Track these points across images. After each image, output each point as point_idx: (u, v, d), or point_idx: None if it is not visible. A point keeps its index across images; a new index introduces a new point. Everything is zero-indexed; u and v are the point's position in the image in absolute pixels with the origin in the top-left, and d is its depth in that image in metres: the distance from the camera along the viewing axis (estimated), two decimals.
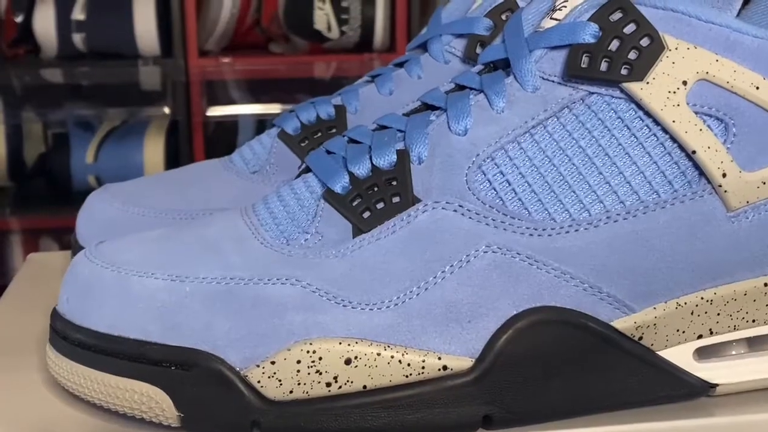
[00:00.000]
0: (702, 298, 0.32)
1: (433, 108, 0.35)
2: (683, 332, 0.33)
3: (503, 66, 0.35)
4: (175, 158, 1.36)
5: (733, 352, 0.34)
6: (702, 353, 0.34)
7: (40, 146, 1.46)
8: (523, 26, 0.35)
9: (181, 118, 1.39)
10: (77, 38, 1.36)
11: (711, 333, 0.33)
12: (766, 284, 0.33)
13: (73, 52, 1.36)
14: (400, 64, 0.47)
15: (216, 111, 1.40)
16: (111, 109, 1.41)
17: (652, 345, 0.32)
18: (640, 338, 0.32)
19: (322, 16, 1.40)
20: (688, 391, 0.33)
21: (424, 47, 0.46)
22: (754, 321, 0.33)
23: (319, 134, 0.44)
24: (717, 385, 0.33)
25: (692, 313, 0.32)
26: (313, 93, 0.48)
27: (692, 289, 0.32)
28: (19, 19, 1.35)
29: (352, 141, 0.36)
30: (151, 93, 1.40)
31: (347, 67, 1.40)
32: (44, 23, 1.36)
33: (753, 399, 0.33)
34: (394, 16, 1.40)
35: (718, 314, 0.33)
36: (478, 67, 0.36)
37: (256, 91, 1.48)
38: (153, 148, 1.37)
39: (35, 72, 1.38)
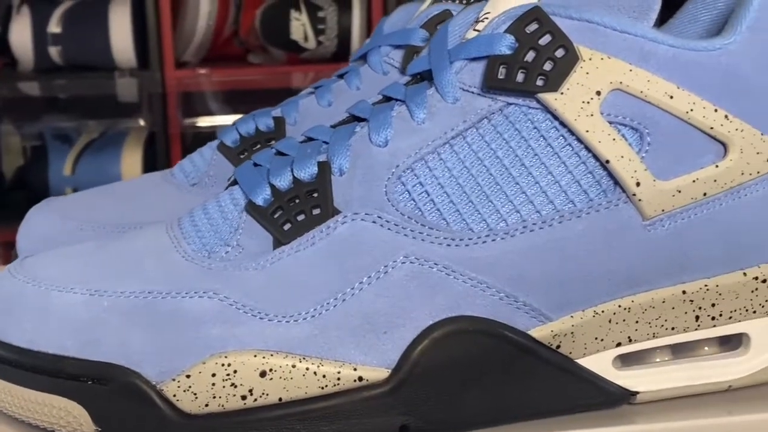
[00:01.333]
0: (619, 306, 0.33)
1: (359, 120, 0.35)
2: (601, 340, 0.33)
3: (428, 78, 0.35)
4: (152, 170, 1.35)
5: (658, 359, 0.34)
6: (626, 360, 0.34)
7: (18, 159, 1.47)
8: (448, 38, 0.36)
9: (159, 129, 1.40)
10: (53, 51, 1.36)
11: (630, 341, 0.33)
12: (684, 291, 0.33)
13: (49, 65, 1.37)
14: (343, 75, 0.47)
15: (193, 122, 1.41)
16: (88, 121, 1.41)
17: (570, 353, 0.33)
18: (558, 347, 0.32)
19: (299, 27, 1.41)
20: (607, 399, 0.33)
21: (365, 58, 0.46)
22: (673, 328, 0.33)
23: (258, 146, 0.44)
24: (637, 392, 0.33)
25: (610, 321, 0.33)
26: None
27: (609, 297, 0.32)
28: None
29: (278, 153, 0.36)
30: (128, 105, 1.41)
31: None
32: (20, 36, 1.36)
33: (674, 406, 0.34)
34: (371, 26, 1.40)
35: (637, 322, 0.33)
36: (406, 79, 0.37)
37: (234, 102, 1.48)
38: (130, 160, 1.37)
39: (12, 85, 1.38)
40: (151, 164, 1.36)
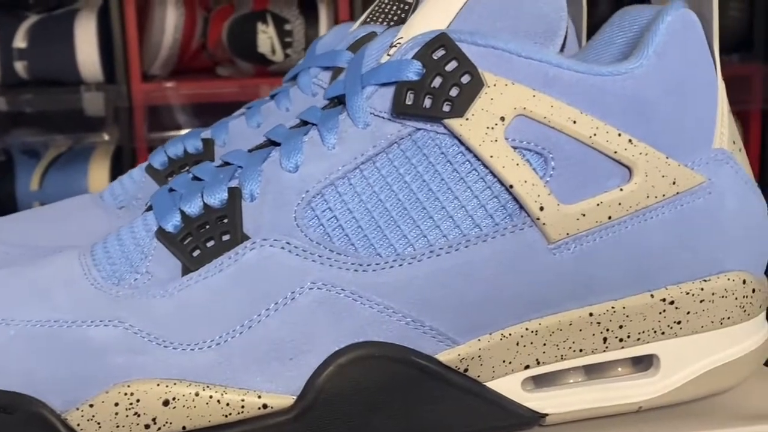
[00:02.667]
0: (527, 329, 0.33)
1: (276, 144, 0.36)
2: (509, 363, 0.33)
3: (344, 101, 0.35)
4: None
5: (571, 380, 0.35)
6: (539, 382, 0.34)
7: None
8: (363, 62, 0.36)
9: (126, 143, 1.39)
10: (19, 66, 1.36)
11: (538, 363, 0.33)
12: (591, 314, 0.33)
13: (15, 80, 1.36)
14: (275, 96, 0.47)
15: (161, 135, 1.40)
16: (55, 135, 1.41)
17: (478, 376, 0.33)
18: (466, 370, 0.33)
19: (266, 40, 1.41)
20: (516, 421, 0.33)
21: (296, 79, 0.47)
22: (581, 350, 0.33)
23: (187, 168, 0.44)
24: (546, 414, 0.33)
25: (518, 344, 0.33)
26: None
27: (516, 321, 0.33)
28: None
29: (195, 178, 0.36)
30: (95, 119, 1.40)
31: None
32: None
33: (585, 427, 0.34)
34: None
35: (545, 344, 0.33)
36: (324, 103, 0.37)
37: (202, 115, 1.48)
38: (98, 174, 1.37)
39: None
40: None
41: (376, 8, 0.46)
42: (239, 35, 1.42)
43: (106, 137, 1.39)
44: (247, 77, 1.46)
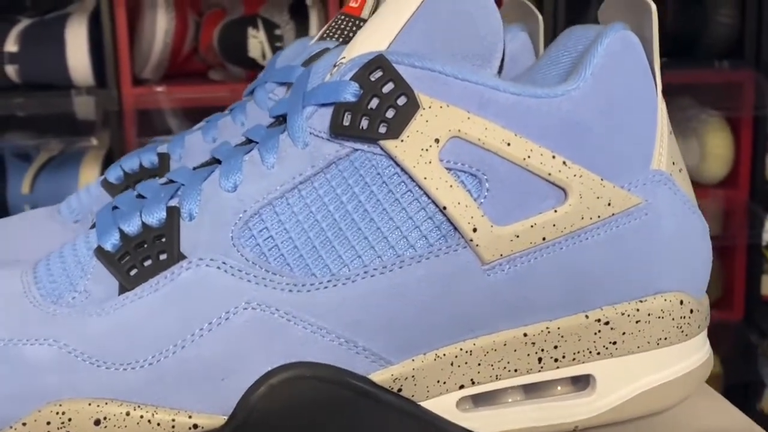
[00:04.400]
0: (461, 349, 0.33)
1: (220, 162, 0.36)
2: (444, 383, 0.33)
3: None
4: None
5: (510, 399, 0.35)
6: (477, 401, 0.34)
7: None
8: (308, 81, 0.36)
9: (116, 147, 1.40)
10: (10, 70, 1.36)
11: (473, 383, 0.33)
12: (525, 334, 0.33)
13: (6, 84, 1.37)
14: (232, 110, 0.47)
15: (151, 140, 1.40)
16: (46, 139, 1.41)
17: (413, 396, 0.33)
18: (400, 390, 0.33)
19: (256, 45, 1.41)
20: None
21: (253, 93, 0.47)
22: (516, 370, 0.34)
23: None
24: None
25: (452, 364, 0.33)
26: None
27: (450, 341, 0.33)
28: None
29: (139, 196, 0.36)
30: (86, 123, 1.41)
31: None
32: None
33: None
34: None
35: (479, 364, 0.33)
36: (269, 121, 0.37)
37: (193, 119, 1.48)
38: (89, 178, 1.37)
39: None
40: None
41: (333, 24, 0.47)
42: (230, 40, 1.42)
43: (97, 141, 1.40)
44: (239, 81, 1.46)
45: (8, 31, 1.36)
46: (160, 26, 1.40)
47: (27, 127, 1.44)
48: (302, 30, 1.41)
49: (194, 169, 0.36)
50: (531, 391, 0.35)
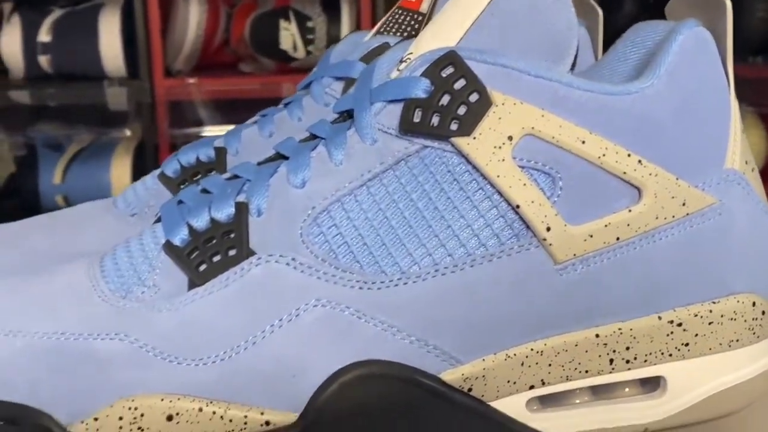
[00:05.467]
0: (532, 350, 0.33)
1: (285, 158, 0.36)
2: (514, 383, 0.33)
3: (353, 116, 0.35)
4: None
5: (578, 401, 0.34)
6: (545, 402, 0.34)
7: (10, 167, 1.47)
8: (373, 77, 0.36)
9: (148, 138, 1.40)
10: (43, 60, 1.37)
11: (543, 383, 0.33)
12: (597, 335, 0.33)
13: (39, 74, 1.38)
14: (288, 104, 0.47)
15: (183, 131, 1.41)
16: (78, 129, 1.42)
17: (482, 396, 0.33)
18: (470, 390, 0.32)
19: (288, 37, 1.41)
20: None
21: (309, 88, 0.47)
22: (587, 371, 0.33)
23: (199, 176, 0.44)
24: None
25: (522, 365, 0.33)
26: None
27: (521, 341, 0.33)
28: None
29: (204, 191, 0.36)
30: (118, 114, 1.41)
31: None
32: (11, 45, 1.37)
33: None
34: None
35: (550, 365, 0.33)
36: (333, 116, 0.37)
37: (224, 111, 1.49)
38: (120, 169, 1.38)
39: (3, 93, 1.39)
40: (140, 173, 1.36)
41: (390, 18, 0.46)
42: (261, 32, 1.42)
43: (129, 132, 1.40)
44: (269, 74, 1.47)
45: (41, 22, 1.37)
46: (193, 17, 1.41)
47: (59, 117, 1.45)
48: (334, 22, 1.41)
49: (258, 164, 0.36)
50: (599, 392, 0.34)
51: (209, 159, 0.45)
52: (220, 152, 0.45)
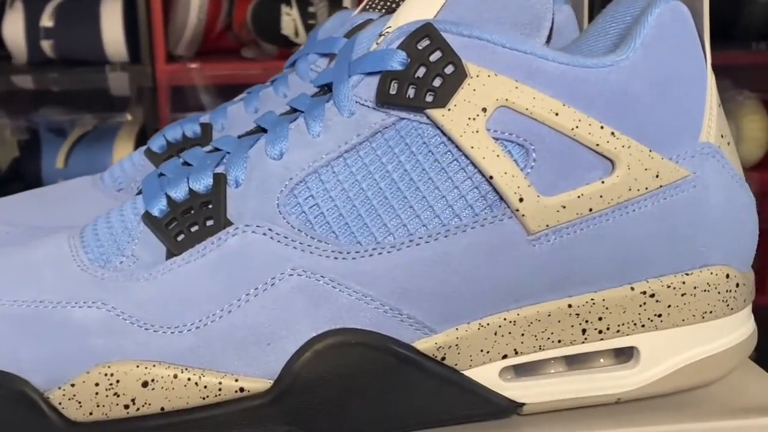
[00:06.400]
0: (505, 319, 0.33)
1: (265, 130, 0.36)
2: (487, 352, 0.33)
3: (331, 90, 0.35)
4: None
5: (552, 370, 0.35)
6: (519, 371, 0.34)
7: (13, 151, 1.48)
8: (353, 50, 0.36)
9: (150, 123, 1.40)
10: (46, 45, 1.37)
11: (516, 353, 0.33)
12: (569, 305, 0.33)
13: (42, 59, 1.38)
14: (274, 81, 0.47)
15: (184, 116, 1.41)
16: (81, 114, 1.42)
17: (456, 365, 0.33)
18: (443, 358, 0.33)
19: (289, 22, 1.41)
20: (493, 410, 0.33)
21: (294, 65, 0.47)
22: (559, 341, 0.34)
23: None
24: (524, 404, 0.34)
25: (495, 334, 0.33)
26: None
27: (495, 310, 0.33)
28: None
29: (184, 163, 0.36)
30: (120, 99, 1.42)
31: None
32: (13, 30, 1.37)
33: (564, 417, 0.34)
34: None
35: (522, 335, 0.33)
36: (313, 90, 0.37)
37: (226, 96, 1.49)
38: (122, 153, 1.38)
39: (5, 78, 1.39)
40: None
41: None
42: (263, 17, 1.42)
43: (131, 117, 1.40)
44: (271, 59, 1.46)
45: (44, 7, 1.37)
46: (195, 2, 1.41)
47: (62, 102, 1.45)
48: (336, 8, 1.40)
49: (239, 137, 0.37)
50: (573, 362, 0.35)
51: (195, 135, 0.45)
52: (206, 128, 0.45)
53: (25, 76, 1.41)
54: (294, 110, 0.36)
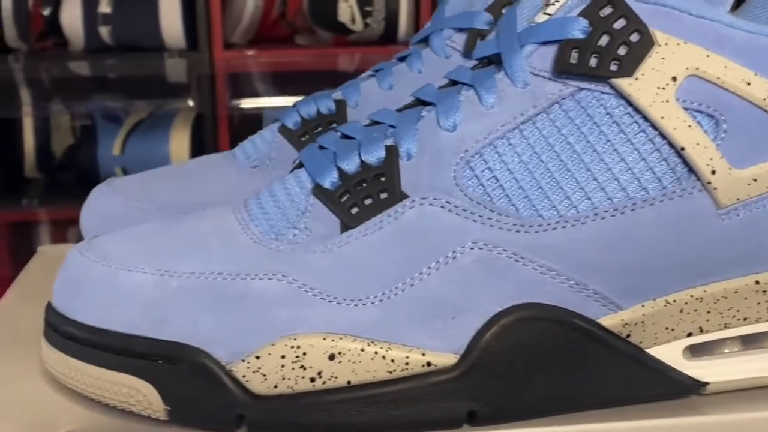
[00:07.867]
0: (692, 296, 0.32)
1: (425, 104, 0.35)
2: (672, 330, 0.32)
3: (496, 61, 0.35)
4: (200, 150, 1.37)
5: (727, 350, 0.34)
6: (695, 351, 0.33)
7: (69, 138, 1.48)
8: (516, 21, 0.35)
9: (207, 110, 1.40)
10: (103, 31, 1.37)
11: (701, 331, 0.33)
12: (757, 282, 0.32)
13: (99, 45, 1.38)
14: (403, 58, 0.47)
15: (241, 103, 1.41)
16: (137, 101, 1.42)
17: (640, 343, 0.32)
18: (628, 336, 0.32)
19: (346, 9, 1.41)
20: (677, 389, 0.33)
21: (426, 41, 0.46)
22: (745, 319, 0.33)
23: (319, 129, 0.44)
24: (707, 383, 0.33)
25: (681, 311, 0.32)
26: (337, 85, 0.48)
27: (682, 287, 0.32)
28: (46, 12, 1.37)
29: (344, 136, 0.36)
30: (177, 85, 1.41)
31: (372, 59, 1.40)
32: (71, 16, 1.37)
33: (744, 397, 0.33)
34: (419, 8, 1.39)
35: (708, 312, 0.32)
36: (472, 63, 0.36)
37: (281, 84, 1.48)
38: (179, 141, 1.38)
39: (63, 65, 1.39)
40: (198, 144, 1.37)
41: None
42: (320, 4, 1.41)
43: (188, 104, 1.40)
44: (326, 46, 1.46)
45: None
46: None
47: (118, 88, 1.45)
48: None
49: (398, 111, 0.36)
50: (749, 342, 0.34)
51: (330, 111, 0.44)
52: (341, 104, 0.44)
53: (82, 63, 1.41)
54: (454, 83, 0.35)
